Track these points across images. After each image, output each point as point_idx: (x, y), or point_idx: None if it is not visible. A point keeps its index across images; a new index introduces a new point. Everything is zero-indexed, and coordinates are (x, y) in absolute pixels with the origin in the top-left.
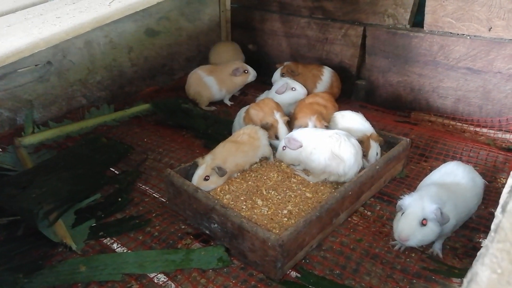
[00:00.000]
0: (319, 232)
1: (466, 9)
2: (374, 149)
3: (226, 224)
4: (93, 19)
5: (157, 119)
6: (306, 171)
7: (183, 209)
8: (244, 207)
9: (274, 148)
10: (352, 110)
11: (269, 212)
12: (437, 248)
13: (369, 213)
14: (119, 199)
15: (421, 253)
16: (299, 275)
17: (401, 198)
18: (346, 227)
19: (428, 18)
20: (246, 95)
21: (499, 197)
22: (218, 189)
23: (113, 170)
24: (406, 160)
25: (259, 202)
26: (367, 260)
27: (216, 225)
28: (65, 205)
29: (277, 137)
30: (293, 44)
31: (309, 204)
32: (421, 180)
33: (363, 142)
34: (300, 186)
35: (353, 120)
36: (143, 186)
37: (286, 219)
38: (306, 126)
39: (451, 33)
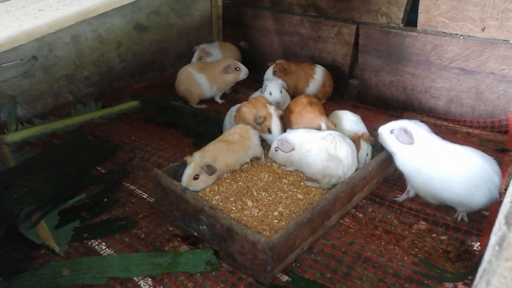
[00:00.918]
0: (310, 235)
1: (459, 8)
2: (364, 149)
3: (215, 226)
4: (77, 12)
5: (145, 117)
6: (298, 172)
7: (171, 210)
8: (234, 208)
9: (267, 145)
10: (343, 110)
11: (260, 214)
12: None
13: (361, 215)
14: (105, 200)
15: (413, 257)
16: (289, 279)
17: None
18: (338, 229)
19: (421, 17)
20: (237, 93)
21: None
22: (207, 189)
23: (99, 169)
24: None
25: (249, 203)
26: (359, 263)
27: (204, 227)
28: (49, 205)
29: (269, 131)
30: (286, 42)
31: (301, 206)
32: None
33: (354, 142)
34: (291, 187)
35: (346, 120)
36: (130, 186)
37: (276, 221)
38: (318, 126)
39: (444, 32)
